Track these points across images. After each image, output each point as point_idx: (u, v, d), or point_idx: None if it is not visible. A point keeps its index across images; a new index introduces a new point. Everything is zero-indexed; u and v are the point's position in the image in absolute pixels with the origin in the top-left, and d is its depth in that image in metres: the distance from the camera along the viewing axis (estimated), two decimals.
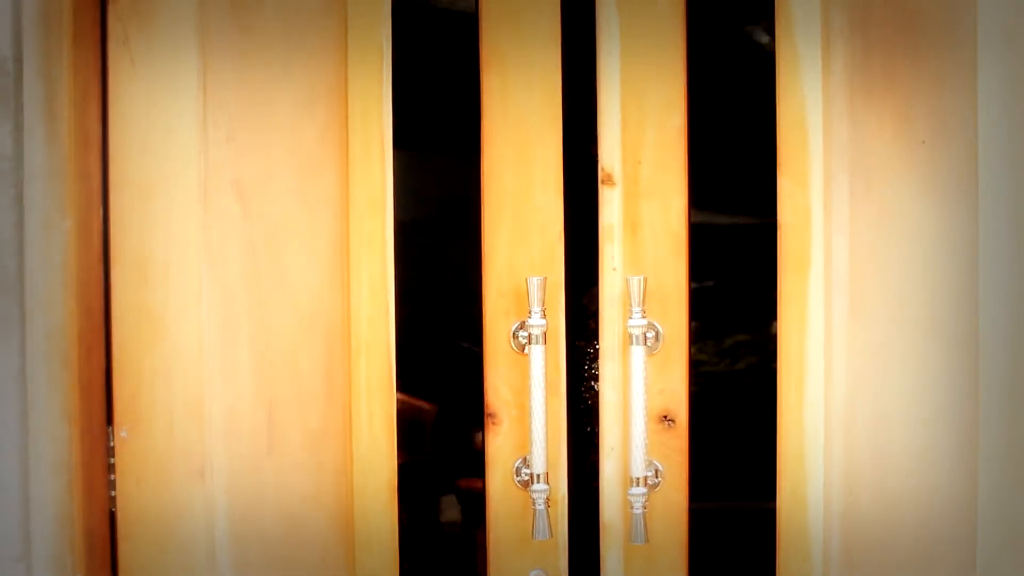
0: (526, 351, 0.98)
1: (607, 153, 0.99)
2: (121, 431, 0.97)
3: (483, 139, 1.00)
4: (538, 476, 0.98)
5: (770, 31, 0.96)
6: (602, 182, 1.00)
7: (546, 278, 0.97)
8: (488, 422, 1.01)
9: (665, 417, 1.00)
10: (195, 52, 0.97)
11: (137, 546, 0.98)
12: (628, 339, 0.99)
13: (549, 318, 0.99)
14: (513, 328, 1.00)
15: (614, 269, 0.99)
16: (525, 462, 0.99)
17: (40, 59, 0.89)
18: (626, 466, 1.00)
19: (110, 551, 0.98)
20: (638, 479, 0.97)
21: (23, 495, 0.90)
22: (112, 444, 0.99)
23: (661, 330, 1.00)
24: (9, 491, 0.90)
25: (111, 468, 0.99)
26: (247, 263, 0.98)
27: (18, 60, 0.89)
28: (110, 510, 0.98)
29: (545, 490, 0.98)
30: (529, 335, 0.97)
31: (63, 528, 0.91)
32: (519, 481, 1.01)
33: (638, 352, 0.96)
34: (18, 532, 0.90)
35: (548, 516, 0.98)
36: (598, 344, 1.03)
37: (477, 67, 1.00)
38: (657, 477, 1.01)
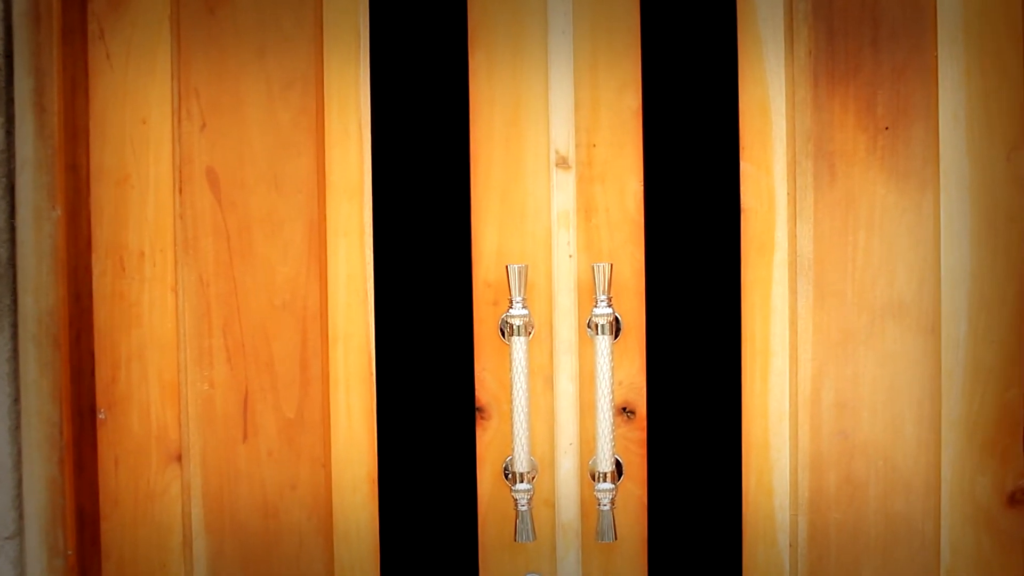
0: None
1: (560, 135, 1.24)
2: (100, 413, 1.26)
3: (471, 121, 1.24)
4: (520, 475, 1.19)
5: (731, 12, 1.22)
6: (556, 165, 1.24)
7: (527, 266, 1.21)
8: (477, 417, 1.24)
9: (624, 409, 1.24)
10: (168, 43, 1.24)
11: (115, 526, 1.26)
12: (586, 328, 1.21)
13: (539, 308, 1.24)
14: (501, 319, 1.24)
15: (570, 256, 1.24)
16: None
17: (29, 55, 1.19)
18: (584, 462, 1.24)
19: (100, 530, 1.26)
20: (605, 474, 1.18)
21: (15, 475, 1.19)
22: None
23: (620, 319, 1.24)
24: (2, 471, 1.18)
25: None
26: (221, 250, 1.25)
27: (8, 56, 1.20)
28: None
29: (528, 490, 1.19)
30: (510, 326, 1.19)
31: (55, 507, 1.19)
32: (509, 480, 1.22)
33: (604, 342, 1.17)
34: (11, 511, 1.19)
35: (531, 518, 1.20)
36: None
37: (464, 46, 1.23)
38: (618, 471, 1.23)
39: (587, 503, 1.25)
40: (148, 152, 1.25)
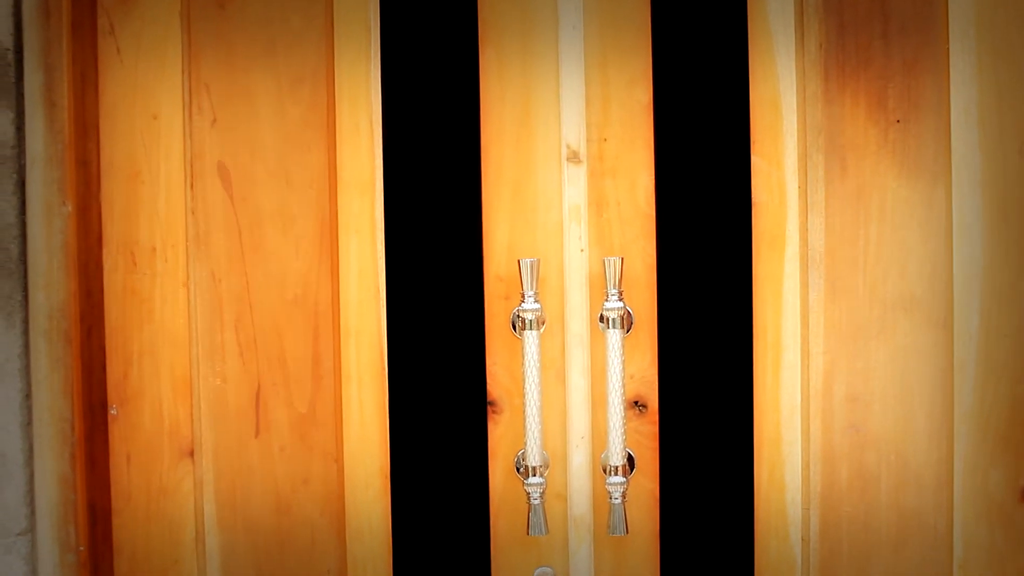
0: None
1: (571, 130, 1.25)
2: (111, 409, 1.28)
3: (482, 116, 1.25)
4: (533, 469, 1.21)
5: (741, 5, 1.23)
6: (567, 159, 1.25)
7: (539, 260, 1.22)
8: (489, 411, 1.25)
9: (636, 403, 1.26)
10: (178, 38, 1.26)
11: (127, 522, 1.27)
12: (598, 322, 1.23)
13: (550, 302, 1.26)
14: (513, 313, 1.25)
15: (581, 250, 1.25)
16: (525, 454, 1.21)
17: (40, 50, 1.20)
18: (596, 456, 1.25)
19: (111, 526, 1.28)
20: (617, 467, 1.20)
21: (27, 471, 1.20)
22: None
23: (632, 313, 1.25)
24: (13, 467, 1.20)
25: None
26: (232, 245, 1.26)
27: (18, 51, 1.20)
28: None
29: (540, 484, 1.21)
30: (523, 320, 1.21)
31: (66, 503, 1.20)
32: (521, 474, 1.24)
33: (615, 336, 1.19)
34: (22, 507, 1.20)
35: (543, 512, 1.22)
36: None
37: (475, 41, 1.24)
38: (630, 465, 1.25)
39: (599, 497, 1.26)
40: (159, 147, 1.26)
